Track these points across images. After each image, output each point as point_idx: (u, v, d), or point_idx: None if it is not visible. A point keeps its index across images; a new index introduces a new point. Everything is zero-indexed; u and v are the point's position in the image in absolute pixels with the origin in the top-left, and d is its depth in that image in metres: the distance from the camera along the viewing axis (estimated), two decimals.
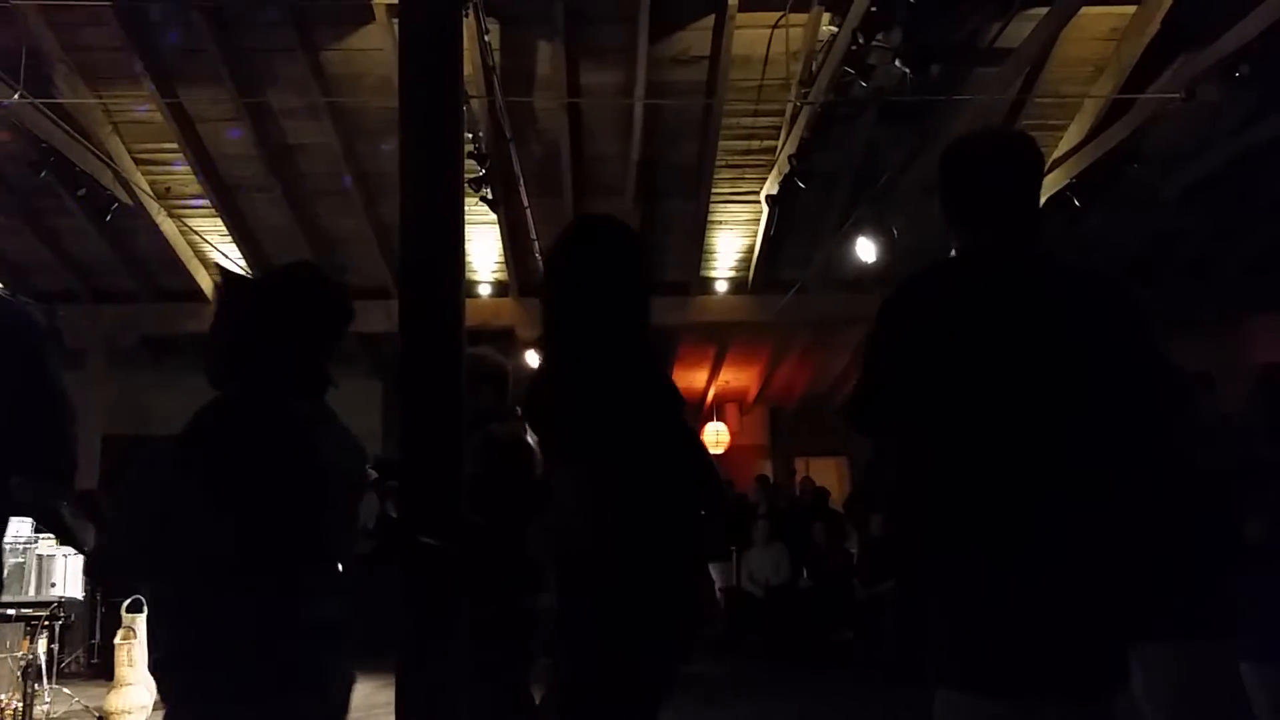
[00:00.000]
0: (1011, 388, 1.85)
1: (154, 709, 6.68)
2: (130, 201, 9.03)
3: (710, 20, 7.55)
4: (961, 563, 1.87)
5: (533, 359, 10.01)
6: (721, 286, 10.70)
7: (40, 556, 6.60)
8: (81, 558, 7.05)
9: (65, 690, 6.62)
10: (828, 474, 14.29)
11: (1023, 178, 2.06)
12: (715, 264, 10.52)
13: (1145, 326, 1.94)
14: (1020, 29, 7.35)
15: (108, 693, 6.50)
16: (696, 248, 10.02)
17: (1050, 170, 9.04)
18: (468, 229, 3.42)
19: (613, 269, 2.21)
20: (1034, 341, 1.87)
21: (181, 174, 8.98)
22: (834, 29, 7.13)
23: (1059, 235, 9.59)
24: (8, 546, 6.56)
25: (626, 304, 2.20)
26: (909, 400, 1.92)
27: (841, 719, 6.81)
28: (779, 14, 7.30)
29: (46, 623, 6.25)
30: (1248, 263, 10.46)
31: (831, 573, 9.30)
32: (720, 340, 12.48)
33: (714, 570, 10.40)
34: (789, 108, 8.19)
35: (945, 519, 1.90)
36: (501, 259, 10.21)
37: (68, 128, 7.97)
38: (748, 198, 9.44)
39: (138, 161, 8.90)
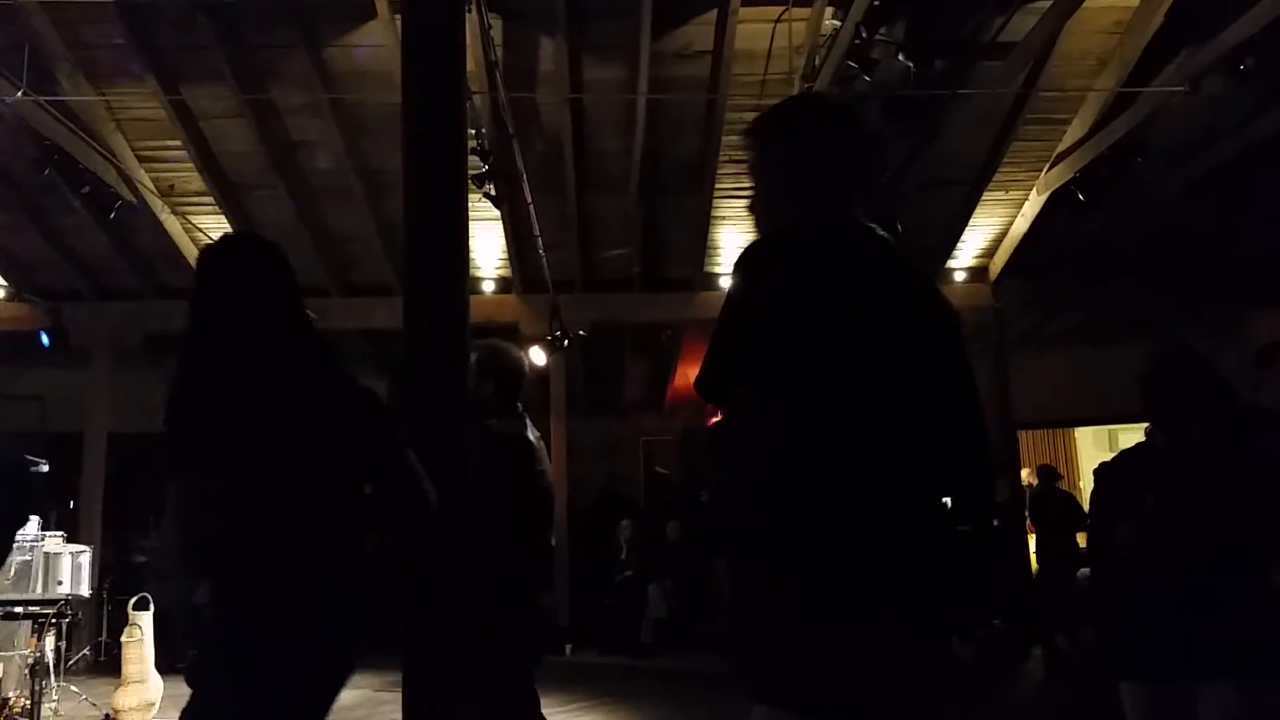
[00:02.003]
0: (841, 383, 1.71)
1: (161, 706, 6.71)
2: (134, 199, 9.04)
3: (713, 15, 7.54)
4: (770, 564, 1.73)
5: (537, 356, 10.02)
6: (725, 282, 10.67)
7: (47, 555, 6.61)
8: (87, 555, 7.08)
9: (73, 688, 6.64)
10: None
11: (848, 148, 1.96)
12: (719, 259, 10.50)
13: (956, 321, 1.86)
14: (1024, 22, 7.34)
15: (115, 690, 6.51)
16: (700, 243, 10.01)
17: (1054, 164, 9.03)
18: (471, 225, 3.41)
19: (235, 283, 2.29)
20: (866, 330, 1.75)
21: (185, 171, 8.99)
22: (837, 23, 7.11)
23: (1064, 229, 9.58)
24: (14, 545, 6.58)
25: (251, 316, 2.25)
26: (750, 371, 1.74)
27: None
28: (782, 8, 7.28)
29: (54, 620, 6.26)
30: (1252, 257, 10.43)
31: None
32: None
33: (719, 568, 10.39)
34: None
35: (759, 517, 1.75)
36: (505, 255, 10.20)
37: (71, 125, 7.98)
38: (751, 193, 9.41)
39: (141, 159, 8.91)
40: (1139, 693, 2.80)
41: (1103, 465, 3.26)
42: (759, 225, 2.05)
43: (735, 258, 1.85)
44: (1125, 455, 3.09)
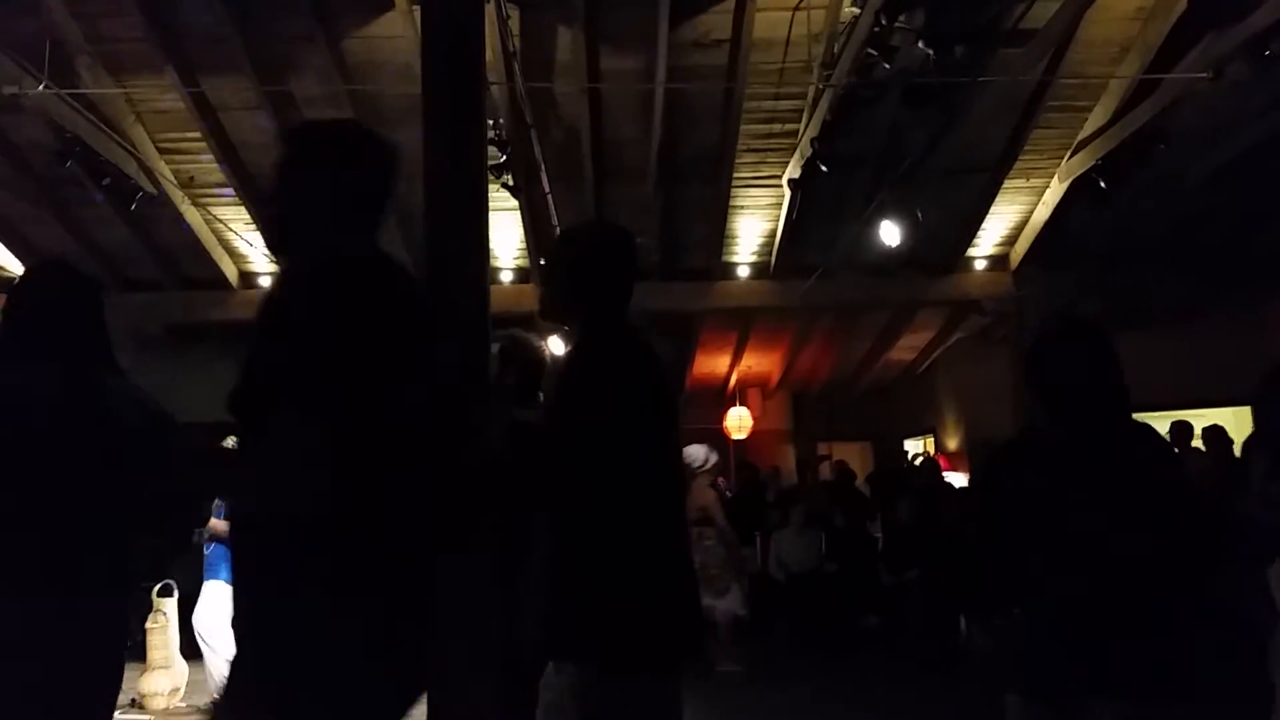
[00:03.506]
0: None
1: (186, 690, 6.77)
2: (154, 190, 9.09)
3: (731, 3, 7.50)
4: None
5: (556, 345, 10.04)
6: (744, 271, 10.67)
7: None
8: None
9: None
10: (851, 458, 14.27)
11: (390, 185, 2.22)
12: (737, 249, 10.49)
13: None
14: (1045, 9, 7.27)
15: (140, 675, 6.59)
16: (718, 232, 10.00)
17: (1076, 152, 8.96)
18: (490, 216, 3.42)
19: (31, 308, 2.68)
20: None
21: (205, 162, 9.03)
22: (856, 10, 7.07)
23: (1086, 217, 9.51)
24: None
25: (35, 337, 2.62)
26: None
27: (864, 705, 6.82)
28: None
29: None
30: (1275, 245, 10.32)
31: (856, 556, 9.28)
32: (742, 325, 12.46)
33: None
34: (811, 90, 8.14)
35: None
36: (523, 245, 10.22)
37: (92, 117, 8.04)
38: (770, 182, 9.40)
39: (161, 150, 8.96)
40: (1017, 707, 2.58)
41: (990, 456, 2.93)
42: (289, 238, 2.19)
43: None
44: (1012, 446, 2.78)
